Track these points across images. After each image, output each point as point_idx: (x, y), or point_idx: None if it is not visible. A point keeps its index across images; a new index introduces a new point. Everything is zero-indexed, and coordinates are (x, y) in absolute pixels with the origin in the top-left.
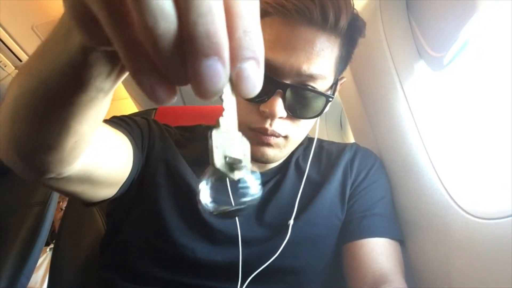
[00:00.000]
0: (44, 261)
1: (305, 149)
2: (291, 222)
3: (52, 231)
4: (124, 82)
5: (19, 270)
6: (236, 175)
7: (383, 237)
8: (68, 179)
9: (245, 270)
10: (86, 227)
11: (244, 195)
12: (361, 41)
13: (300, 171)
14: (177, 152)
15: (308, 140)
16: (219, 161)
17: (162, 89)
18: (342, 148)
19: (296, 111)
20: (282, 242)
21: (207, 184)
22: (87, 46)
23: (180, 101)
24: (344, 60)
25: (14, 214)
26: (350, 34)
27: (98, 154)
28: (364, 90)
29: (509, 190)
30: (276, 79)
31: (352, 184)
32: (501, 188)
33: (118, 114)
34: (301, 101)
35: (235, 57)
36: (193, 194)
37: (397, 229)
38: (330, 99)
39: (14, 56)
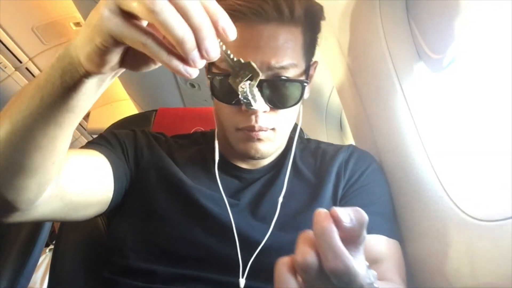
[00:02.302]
0: (43, 261)
1: (303, 150)
2: (280, 199)
3: (51, 231)
4: (124, 84)
5: (19, 271)
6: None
7: (379, 234)
8: (43, 206)
9: (244, 262)
10: (85, 227)
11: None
12: (360, 42)
13: (296, 169)
14: (164, 155)
15: (307, 141)
16: (236, 85)
17: (185, 66)
18: (338, 148)
19: (276, 103)
20: (278, 235)
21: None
22: (92, 72)
23: (180, 103)
24: (311, 45)
25: None
26: (310, 20)
27: (74, 182)
28: (363, 92)
29: (509, 192)
30: None
31: (345, 185)
32: (501, 190)
33: (118, 115)
34: (278, 92)
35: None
36: (187, 189)
37: (394, 229)
38: (305, 83)
39: (14, 57)
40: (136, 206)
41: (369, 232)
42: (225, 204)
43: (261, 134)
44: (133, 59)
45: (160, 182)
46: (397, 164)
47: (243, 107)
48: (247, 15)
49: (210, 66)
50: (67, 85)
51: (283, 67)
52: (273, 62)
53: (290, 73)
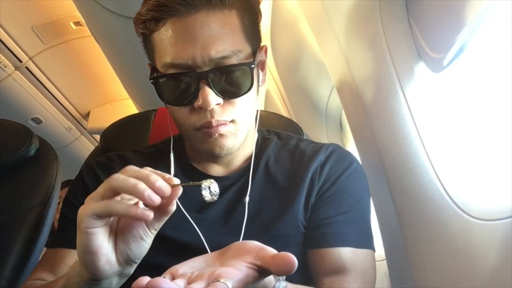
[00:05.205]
0: None
1: (280, 149)
2: (247, 199)
3: (51, 231)
4: (124, 84)
5: (19, 271)
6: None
7: (344, 247)
8: None
9: None
10: None
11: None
12: (360, 42)
13: (269, 174)
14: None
15: (287, 138)
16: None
17: (141, 210)
18: (317, 149)
19: (228, 93)
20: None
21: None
22: (92, 275)
23: None
24: (252, 29)
25: (14, 215)
26: (243, 1)
27: None
28: (363, 91)
29: (509, 191)
30: (195, 72)
31: (319, 191)
32: (501, 189)
33: (118, 114)
34: (228, 81)
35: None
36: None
37: (366, 236)
38: (253, 65)
39: (14, 57)
40: None
41: (334, 244)
42: (191, 224)
43: (221, 129)
44: (125, 245)
45: None
46: (397, 164)
47: (195, 104)
48: (175, 8)
49: (153, 71)
50: None
51: (224, 57)
52: (213, 53)
53: (235, 60)
